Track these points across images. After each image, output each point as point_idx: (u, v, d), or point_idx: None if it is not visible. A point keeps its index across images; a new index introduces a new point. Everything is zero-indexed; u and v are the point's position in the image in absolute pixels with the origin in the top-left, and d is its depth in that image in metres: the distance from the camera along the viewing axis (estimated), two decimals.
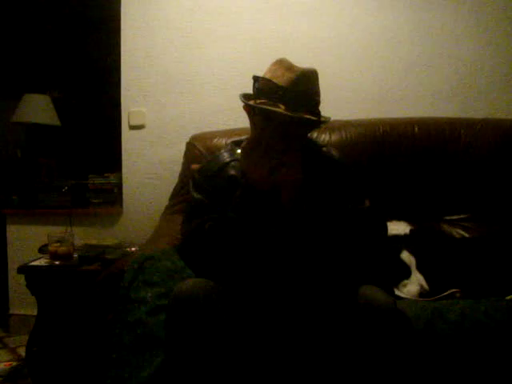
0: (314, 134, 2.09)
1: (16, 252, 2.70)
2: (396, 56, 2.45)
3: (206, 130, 2.41)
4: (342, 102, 2.44)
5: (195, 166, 1.83)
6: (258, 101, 1.33)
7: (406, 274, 1.74)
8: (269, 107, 1.29)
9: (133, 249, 2.19)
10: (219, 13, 2.53)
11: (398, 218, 1.96)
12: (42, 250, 2.24)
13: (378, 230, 1.43)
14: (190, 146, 2.31)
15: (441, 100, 2.42)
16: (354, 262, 1.37)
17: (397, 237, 1.85)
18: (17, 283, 2.57)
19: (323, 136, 2.14)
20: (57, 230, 2.38)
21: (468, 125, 2.14)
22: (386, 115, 2.29)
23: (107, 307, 1.55)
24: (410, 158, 2.11)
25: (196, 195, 1.45)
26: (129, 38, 2.59)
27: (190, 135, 2.37)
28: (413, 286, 1.71)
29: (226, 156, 1.48)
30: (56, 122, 3.06)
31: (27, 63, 3.54)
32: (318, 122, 1.36)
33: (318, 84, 1.36)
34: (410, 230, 1.88)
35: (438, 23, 2.42)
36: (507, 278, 1.66)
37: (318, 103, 1.36)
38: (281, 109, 1.28)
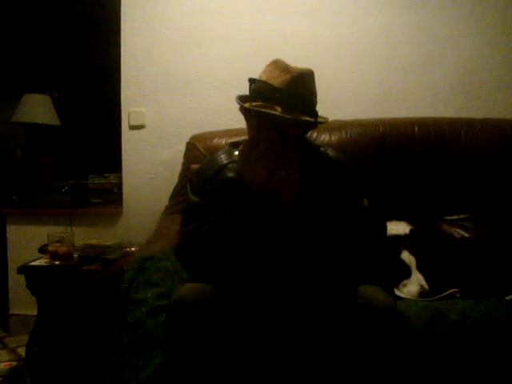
0: (314, 135, 2.09)
1: (16, 252, 2.70)
2: (396, 56, 2.45)
3: (206, 129, 2.41)
4: (342, 102, 2.44)
5: (195, 166, 1.83)
6: (254, 103, 1.33)
7: (406, 274, 1.74)
8: (265, 110, 1.29)
9: (133, 249, 2.19)
10: (219, 13, 2.53)
11: (398, 218, 1.96)
12: (42, 249, 2.24)
13: (377, 230, 1.43)
14: (190, 146, 2.31)
15: (441, 100, 2.42)
16: (354, 261, 1.37)
17: (397, 237, 1.85)
18: (17, 283, 2.56)
19: (323, 136, 2.14)
20: (57, 230, 2.37)
21: (468, 125, 2.14)
22: (386, 115, 2.29)
23: (107, 307, 1.55)
24: (410, 157, 2.10)
25: (193, 198, 1.43)
26: (129, 38, 2.59)
27: (190, 135, 2.37)
28: (413, 286, 1.70)
29: (223, 158, 1.48)
30: (56, 121, 3.07)
31: (27, 63, 3.54)
32: (315, 123, 1.35)
33: (314, 84, 1.35)
34: (410, 230, 1.88)
35: (437, 23, 2.42)
36: (507, 278, 1.66)
37: (314, 104, 1.35)
38: (277, 111, 1.28)
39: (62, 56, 3.55)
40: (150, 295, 1.45)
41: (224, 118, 2.49)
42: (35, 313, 2.11)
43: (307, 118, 1.31)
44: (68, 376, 1.98)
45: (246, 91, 1.40)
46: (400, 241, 1.84)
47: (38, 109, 2.94)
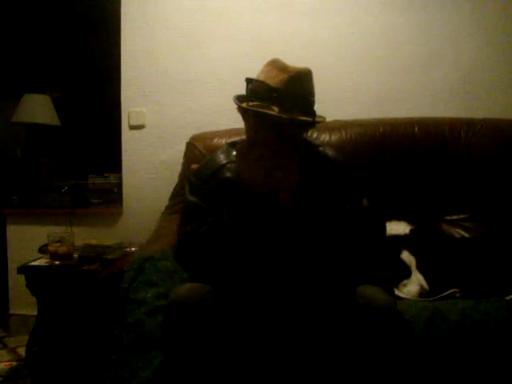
0: (314, 135, 2.09)
1: (16, 252, 2.70)
2: (396, 56, 2.45)
3: (206, 130, 2.41)
4: (341, 102, 2.44)
5: (195, 166, 1.82)
6: (252, 103, 1.33)
7: (406, 274, 1.74)
8: (262, 110, 1.28)
9: (133, 249, 2.19)
10: (219, 13, 2.54)
11: (398, 218, 1.96)
12: (42, 250, 2.24)
13: (376, 230, 1.43)
14: (190, 145, 2.31)
15: (441, 100, 2.42)
16: (353, 261, 1.36)
17: (397, 237, 1.85)
18: (17, 283, 2.56)
19: (323, 136, 2.14)
20: (57, 230, 2.37)
21: (468, 125, 2.14)
22: (386, 115, 2.28)
23: (107, 307, 1.55)
24: (410, 157, 2.11)
25: (192, 198, 1.43)
26: (129, 38, 2.59)
27: (190, 135, 2.37)
28: (413, 286, 1.70)
29: (221, 158, 1.47)
30: (56, 121, 3.06)
31: (27, 63, 3.54)
32: (313, 123, 1.35)
33: (312, 84, 1.35)
34: (410, 230, 1.88)
35: (437, 23, 2.42)
36: (507, 278, 1.66)
37: (312, 103, 1.34)
38: (274, 111, 1.27)
39: (62, 56, 3.55)
40: (149, 295, 1.45)
41: (224, 118, 2.49)
42: (35, 313, 2.11)
43: (304, 118, 1.30)
44: (68, 376, 1.98)
45: (245, 91, 1.39)
46: (400, 241, 1.84)
47: (37, 109, 2.94)
